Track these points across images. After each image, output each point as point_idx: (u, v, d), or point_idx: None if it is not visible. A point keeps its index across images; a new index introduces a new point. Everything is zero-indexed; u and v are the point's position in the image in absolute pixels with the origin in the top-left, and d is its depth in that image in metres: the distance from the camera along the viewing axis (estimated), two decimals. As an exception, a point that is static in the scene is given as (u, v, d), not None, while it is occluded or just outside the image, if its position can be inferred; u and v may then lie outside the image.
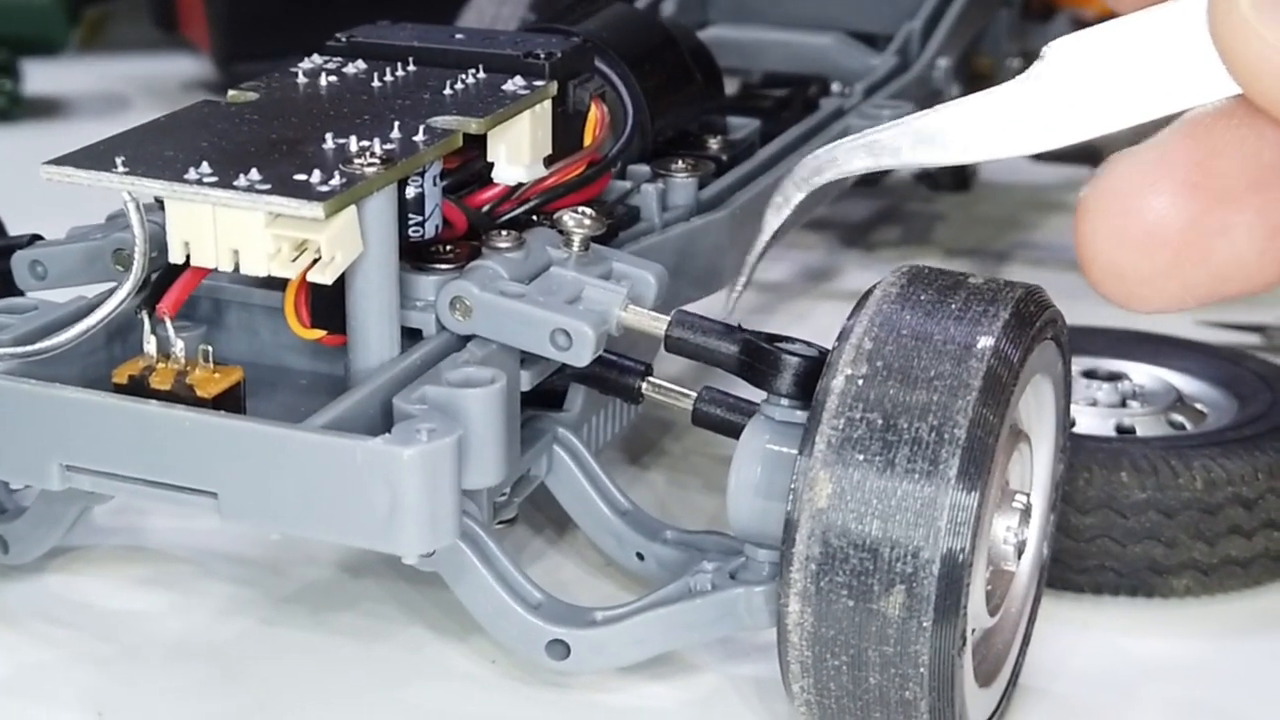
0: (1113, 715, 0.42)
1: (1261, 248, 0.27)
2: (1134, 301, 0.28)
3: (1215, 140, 0.26)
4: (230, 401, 0.38)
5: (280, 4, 0.98)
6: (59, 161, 0.38)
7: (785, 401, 0.39)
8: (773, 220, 0.36)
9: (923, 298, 0.37)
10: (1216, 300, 0.28)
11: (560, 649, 0.40)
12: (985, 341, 0.36)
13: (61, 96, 1.00)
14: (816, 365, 0.39)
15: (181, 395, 0.38)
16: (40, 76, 0.99)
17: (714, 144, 0.54)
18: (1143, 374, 0.52)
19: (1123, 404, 0.51)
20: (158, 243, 0.39)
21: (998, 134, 0.29)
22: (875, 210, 0.80)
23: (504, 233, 0.42)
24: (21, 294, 0.44)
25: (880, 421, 0.36)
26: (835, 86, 0.67)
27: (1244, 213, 0.27)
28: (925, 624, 0.35)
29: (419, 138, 0.40)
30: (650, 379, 0.43)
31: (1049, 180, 0.83)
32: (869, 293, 0.38)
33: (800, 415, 0.39)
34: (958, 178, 0.77)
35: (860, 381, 0.36)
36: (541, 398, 0.45)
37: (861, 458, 0.35)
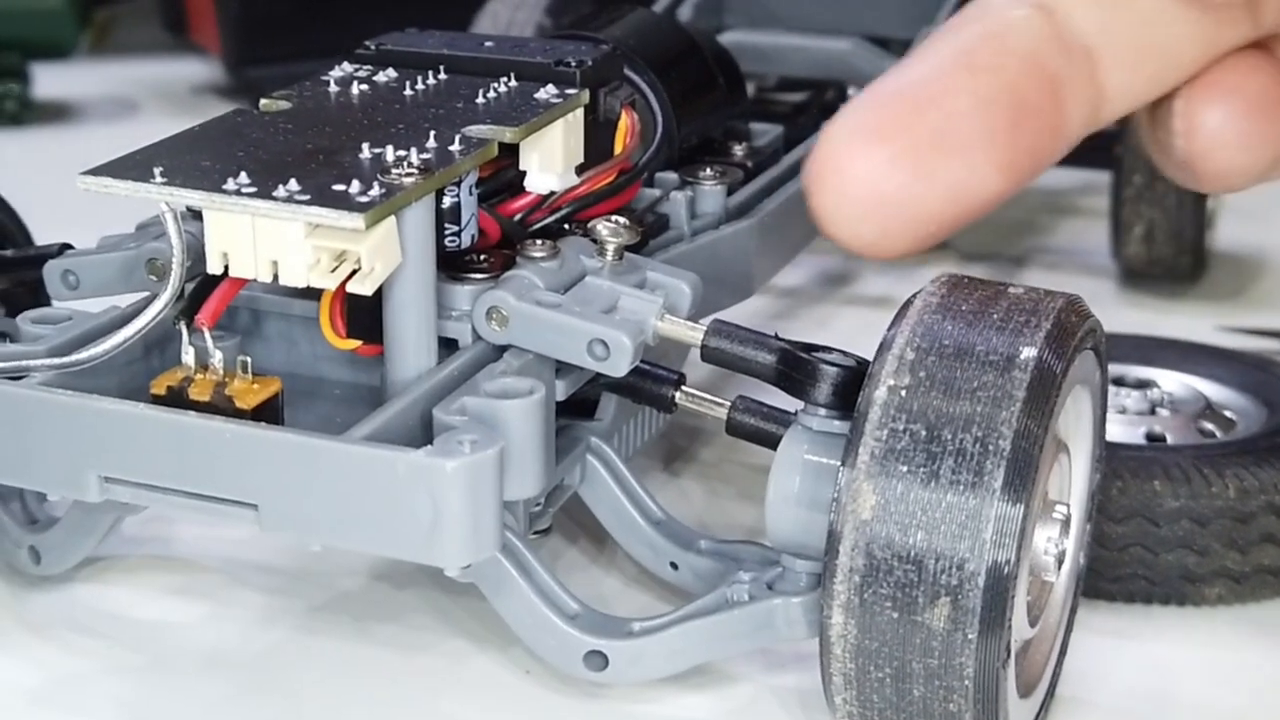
0: (1149, 724, 0.42)
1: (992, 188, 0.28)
2: (869, 255, 0.31)
3: (928, 95, 0.28)
4: (269, 412, 0.38)
5: (290, 8, 0.98)
6: (96, 171, 0.38)
7: (823, 411, 0.39)
8: None
9: (964, 308, 0.37)
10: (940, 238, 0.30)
11: (598, 660, 0.40)
12: (1029, 352, 0.36)
13: (71, 100, 1.00)
14: (854, 375, 0.39)
15: (220, 406, 0.38)
16: (50, 80, 0.99)
17: (739, 151, 0.54)
18: (1170, 381, 0.52)
19: (1152, 411, 0.51)
20: (194, 252, 0.39)
21: None
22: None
23: (539, 242, 0.42)
24: (50, 303, 0.44)
25: (924, 432, 0.35)
26: (852, 91, 0.67)
27: (961, 161, 0.28)
28: (970, 636, 0.35)
29: (455, 147, 0.40)
30: (684, 388, 0.43)
31: (1065, 184, 0.83)
32: (909, 302, 0.38)
33: (838, 425, 0.39)
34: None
35: (903, 392, 0.36)
36: (573, 406, 0.45)
37: (905, 469, 0.35)
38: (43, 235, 0.49)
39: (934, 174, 0.28)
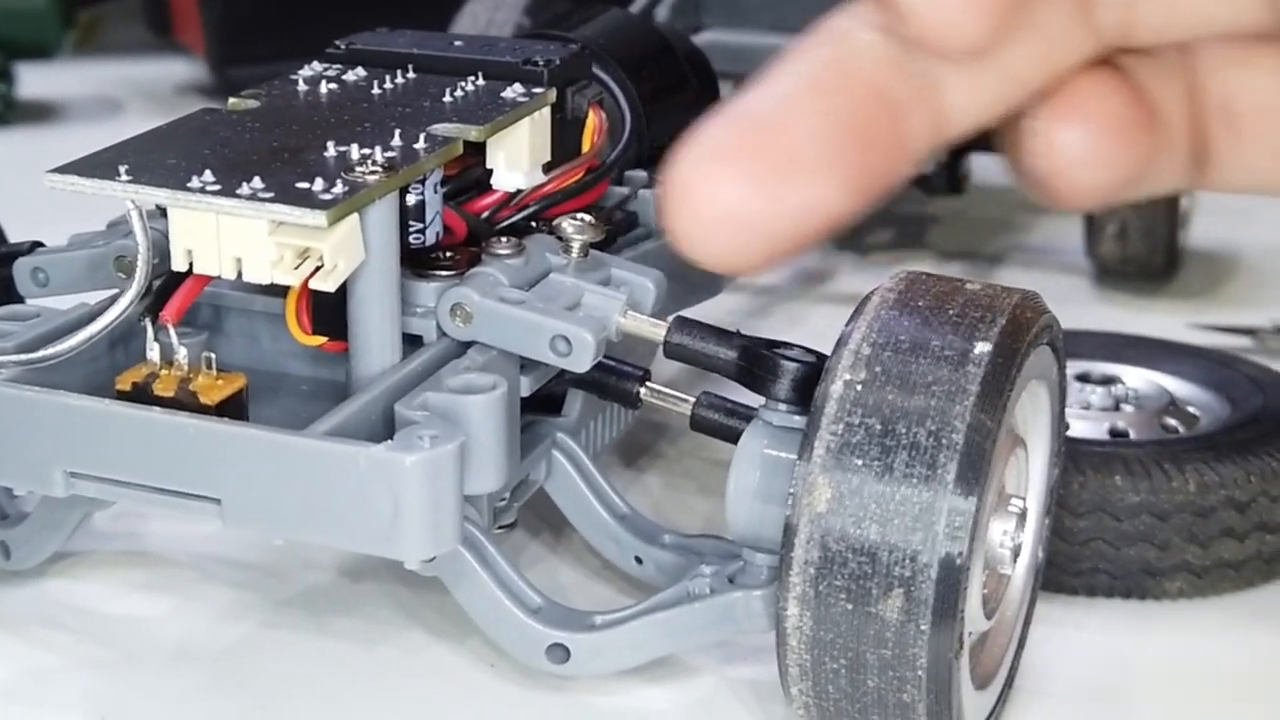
0: (1107, 716, 0.42)
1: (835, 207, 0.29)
2: (727, 272, 0.32)
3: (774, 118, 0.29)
4: (233, 408, 0.39)
5: (274, 8, 0.98)
6: (63, 170, 0.38)
7: (783, 406, 0.40)
8: None
9: (920, 304, 0.38)
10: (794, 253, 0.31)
11: (560, 653, 0.40)
12: (982, 347, 0.36)
13: (55, 100, 1.00)
14: (814, 370, 0.39)
15: (185, 402, 0.38)
16: (34, 80, 1.00)
17: (711, 149, 0.55)
18: (1136, 377, 0.53)
19: (1116, 408, 0.51)
20: (160, 250, 0.39)
21: None
22: (869, 213, 0.81)
23: (504, 239, 0.43)
24: (22, 301, 0.44)
25: (879, 427, 0.36)
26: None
27: (812, 184, 0.29)
28: (923, 627, 0.35)
29: (420, 145, 0.40)
30: (649, 384, 0.44)
31: (1041, 183, 0.83)
32: (867, 299, 0.38)
33: (798, 420, 0.39)
34: (951, 181, 0.78)
35: (859, 387, 0.36)
36: (540, 403, 0.45)
37: (860, 463, 0.36)
38: (25, 235, 0.49)
39: (784, 195, 0.30)
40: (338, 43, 0.48)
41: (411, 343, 0.41)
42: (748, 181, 0.29)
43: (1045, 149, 0.31)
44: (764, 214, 0.29)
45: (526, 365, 0.42)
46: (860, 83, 0.29)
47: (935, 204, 0.81)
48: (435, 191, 0.42)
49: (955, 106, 0.31)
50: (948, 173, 0.76)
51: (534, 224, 0.45)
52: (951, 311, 0.37)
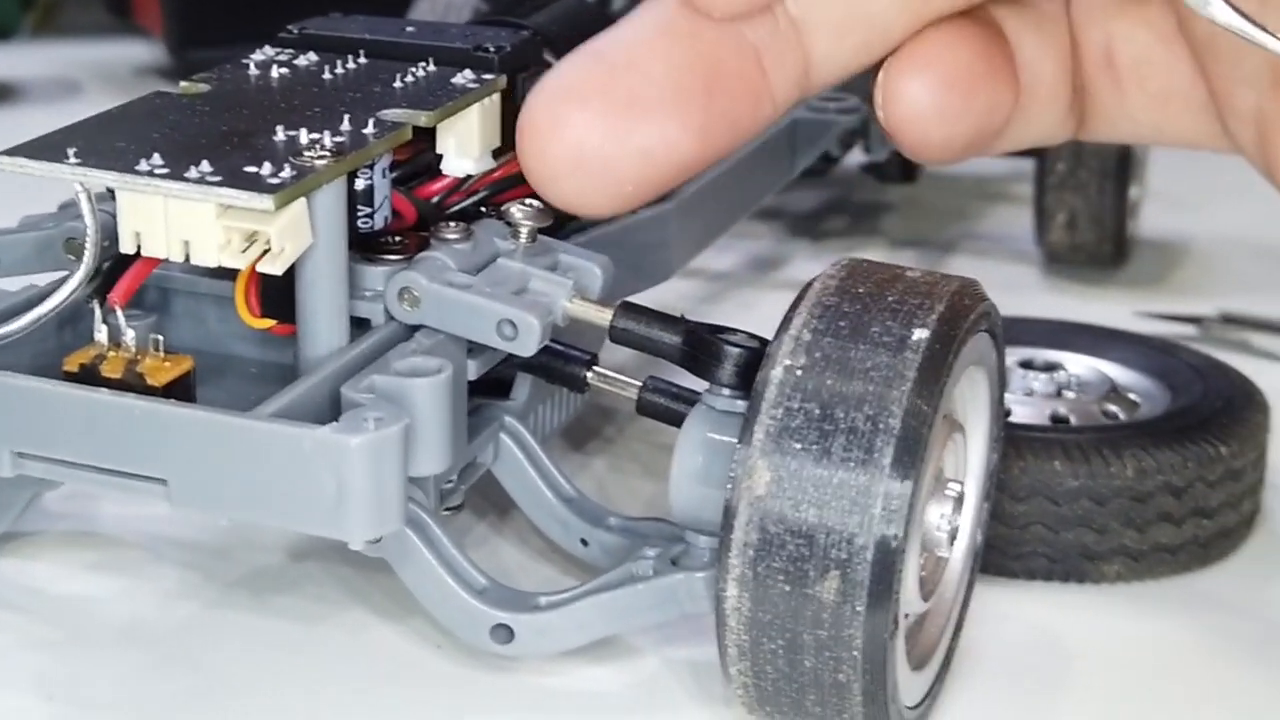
0: (1044, 698, 0.43)
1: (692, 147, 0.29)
2: (574, 211, 0.32)
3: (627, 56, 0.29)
4: (181, 390, 0.39)
5: (233, -9, 0.98)
6: (11, 152, 0.38)
7: (727, 391, 0.40)
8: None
9: (860, 290, 0.38)
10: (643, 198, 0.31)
11: (504, 633, 0.41)
12: (920, 334, 0.37)
13: (13, 81, 1.00)
14: (757, 356, 0.39)
15: (132, 384, 0.39)
16: (-9, 61, 0.99)
17: (661, 136, 0.55)
18: (1079, 364, 0.54)
19: (1058, 394, 0.52)
20: (109, 232, 0.40)
21: None
22: (823, 201, 0.82)
23: (452, 224, 0.43)
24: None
25: (817, 411, 0.36)
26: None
27: (662, 119, 0.29)
28: (859, 608, 0.36)
29: (369, 130, 0.41)
30: (596, 368, 0.44)
31: (994, 172, 0.84)
32: (809, 285, 0.39)
33: (741, 405, 0.39)
34: (905, 169, 0.78)
35: (799, 372, 0.37)
36: (489, 387, 0.46)
37: (799, 446, 0.36)
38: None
39: (627, 136, 0.29)
40: (290, 27, 0.48)
41: (359, 326, 0.41)
42: (594, 120, 0.29)
43: (893, 100, 0.31)
44: (609, 153, 0.29)
45: (474, 349, 0.42)
46: (715, 29, 0.29)
47: (889, 192, 0.82)
48: (384, 176, 0.42)
49: (820, 56, 0.30)
50: (901, 161, 0.77)
51: (483, 209, 0.45)
52: (891, 298, 0.38)
